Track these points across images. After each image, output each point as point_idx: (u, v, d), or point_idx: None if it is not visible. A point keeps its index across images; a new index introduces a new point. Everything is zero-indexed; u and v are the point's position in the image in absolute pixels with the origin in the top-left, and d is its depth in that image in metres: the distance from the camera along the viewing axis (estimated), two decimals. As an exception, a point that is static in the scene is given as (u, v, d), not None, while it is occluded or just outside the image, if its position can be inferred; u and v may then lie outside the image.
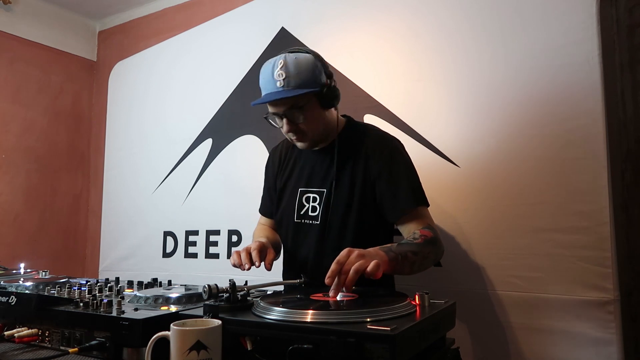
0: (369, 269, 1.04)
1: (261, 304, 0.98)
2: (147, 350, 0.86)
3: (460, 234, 1.79)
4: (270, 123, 1.46)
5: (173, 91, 2.91)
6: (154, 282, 1.53)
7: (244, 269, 1.32)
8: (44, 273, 1.74)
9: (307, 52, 1.39)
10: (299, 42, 2.32)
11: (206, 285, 1.03)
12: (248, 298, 1.04)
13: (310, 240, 1.45)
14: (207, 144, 2.68)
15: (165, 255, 2.78)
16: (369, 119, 2.05)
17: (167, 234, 2.79)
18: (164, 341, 0.85)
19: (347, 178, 1.42)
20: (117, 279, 1.55)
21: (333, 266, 1.06)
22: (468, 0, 1.86)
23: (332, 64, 2.19)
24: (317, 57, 1.40)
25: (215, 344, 0.84)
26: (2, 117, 3.13)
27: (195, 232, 2.66)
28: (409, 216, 1.38)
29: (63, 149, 3.48)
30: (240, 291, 1.03)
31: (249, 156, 2.47)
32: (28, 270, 1.86)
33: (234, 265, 1.36)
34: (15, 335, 1.11)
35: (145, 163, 2.99)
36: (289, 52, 1.39)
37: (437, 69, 1.91)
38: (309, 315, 0.88)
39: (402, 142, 1.50)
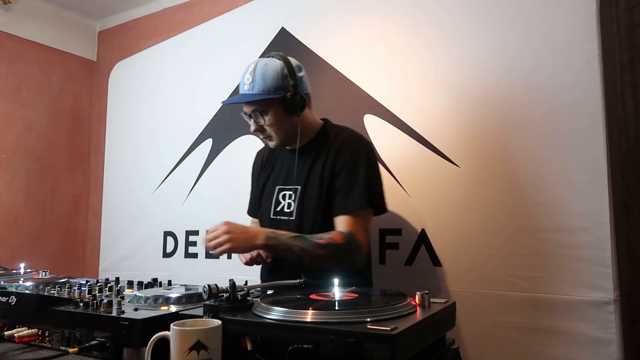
0: (212, 245, 1.34)
1: (261, 304, 0.98)
2: (147, 350, 0.86)
3: (460, 234, 1.79)
4: (246, 120, 1.57)
5: (173, 91, 2.91)
6: (154, 282, 1.53)
7: (267, 261, 1.52)
8: (44, 273, 1.74)
9: (280, 59, 1.48)
10: (299, 42, 2.32)
11: (206, 285, 1.03)
12: (248, 298, 1.04)
13: None
14: (207, 144, 2.68)
15: (166, 255, 2.78)
16: (369, 119, 2.05)
17: (167, 234, 2.79)
18: (164, 341, 0.85)
19: (318, 175, 1.51)
20: (117, 279, 1.55)
21: (205, 235, 1.37)
22: (468, 0, 1.86)
23: (332, 64, 2.20)
24: (287, 64, 1.48)
25: (215, 344, 0.84)
26: (2, 117, 3.13)
27: (196, 232, 2.66)
28: (345, 216, 1.44)
29: (63, 149, 3.48)
30: (240, 291, 1.03)
31: (249, 156, 2.45)
32: (28, 270, 1.86)
33: (249, 263, 1.53)
34: (15, 335, 1.11)
35: (145, 163, 2.99)
36: (265, 57, 1.51)
37: (437, 69, 1.91)
38: (309, 315, 0.88)
39: (372, 145, 1.58)
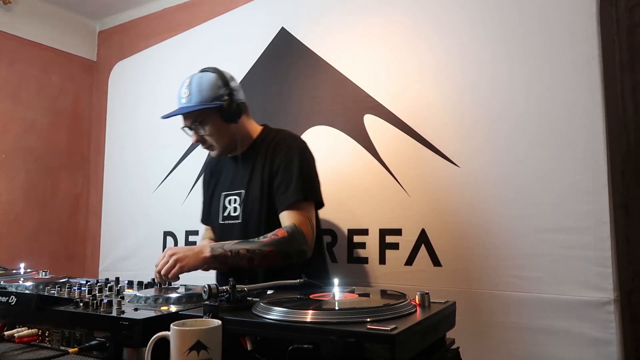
0: (164, 271, 1.36)
1: (261, 304, 0.98)
2: (147, 350, 0.86)
3: (460, 234, 1.79)
4: (186, 134, 1.63)
5: (173, 91, 2.89)
6: (154, 282, 1.53)
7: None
8: (44, 273, 1.74)
9: (214, 72, 1.57)
10: (299, 42, 2.32)
11: (206, 285, 1.03)
12: (248, 298, 1.04)
13: (234, 237, 1.56)
14: (207, 144, 2.68)
15: (165, 255, 2.78)
16: (369, 119, 2.06)
17: (167, 233, 2.79)
18: (164, 341, 0.85)
19: (258, 179, 1.59)
20: (117, 279, 1.54)
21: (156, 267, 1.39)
22: (468, 0, 1.86)
23: (332, 64, 2.20)
24: (221, 76, 1.57)
25: (215, 344, 0.84)
26: (2, 117, 3.13)
27: (195, 232, 2.66)
28: (288, 211, 1.51)
29: (63, 149, 3.48)
30: (240, 291, 1.03)
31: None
32: (28, 270, 1.86)
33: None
34: (15, 335, 1.11)
35: (145, 163, 2.99)
36: (199, 72, 1.59)
37: (437, 68, 1.91)
38: (309, 315, 0.88)
39: (305, 143, 1.63)
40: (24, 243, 3.19)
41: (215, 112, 1.55)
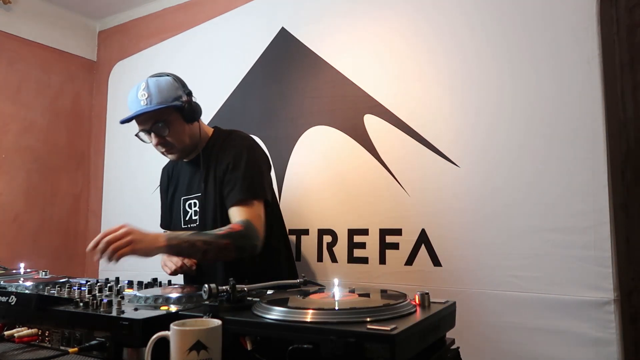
0: (113, 247, 1.26)
1: (261, 304, 0.98)
2: (147, 350, 0.86)
3: (460, 234, 1.79)
4: (141, 139, 1.62)
5: (173, 91, 2.91)
6: (154, 282, 1.53)
7: (192, 269, 1.59)
8: (44, 273, 1.74)
9: (167, 75, 1.58)
10: (299, 42, 2.32)
11: (206, 285, 1.03)
12: (248, 298, 1.04)
13: None
14: (207, 144, 2.68)
15: (165, 255, 2.78)
16: (369, 119, 2.06)
17: (167, 234, 2.79)
18: (164, 341, 0.85)
19: (212, 180, 1.61)
20: (117, 279, 1.54)
21: (99, 236, 1.28)
22: (468, 0, 1.86)
23: (332, 64, 2.20)
24: (177, 78, 1.59)
25: (215, 344, 0.84)
26: (2, 117, 3.13)
27: (195, 232, 2.66)
28: (237, 207, 1.52)
29: (63, 149, 3.48)
30: (240, 291, 1.03)
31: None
32: (28, 270, 1.86)
33: (174, 273, 1.59)
34: (15, 335, 1.11)
35: (145, 163, 2.99)
36: (150, 77, 1.57)
37: (437, 68, 1.91)
38: (309, 315, 0.88)
39: (256, 142, 1.68)
40: (24, 243, 3.19)
41: (176, 112, 1.55)
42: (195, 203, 1.67)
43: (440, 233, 1.84)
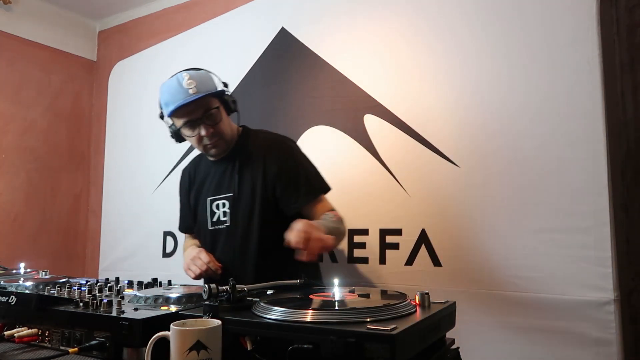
0: (327, 242, 1.22)
1: (261, 304, 0.98)
2: (147, 350, 0.86)
3: (460, 234, 1.79)
4: (179, 137, 1.59)
5: (173, 91, 2.91)
6: (154, 282, 1.53)
7: (217, 273, 1.52)
8: (44, 273, 1.74)
9: (200, 70, 1.55)
10: (299, 42, 2.32)
11: (206, 285, 1.03)
12: (248, 298, 1.05)
13: (222, 242, 1.60)
14: (207, 144, 2.68)
15: (165, 255, 2.78)
16: (369, 119, 2.05)
17: (167, 234, 2.79)
18: (164, 341, 0.85)
19: (248, 181, 1.56)
20: (117, 279, 1.54)
21: (301, 234, 1.20)
22: (468, 0, 1.86)
23: (332, 64, 2.20)
24: (210, 72, 1.57)
25: (215, 344, 0.84)
26: (2, 117, 3.13)
27: (195, 232, 2.66)
28: (313, 205, 1.53)
29: (63, 149, 3.48)
30: (240, 291, 1.03)
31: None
32: (28, 270, 1.86)
33: (198, 277, 1.53)
34: (15, 335, 1.11)
35: (145, 163, 2.99)
36: (185, 71, 1.52)
37: (437, 68, 1.91)
38: (309, 315, 0.88)
39: (295, 141, 1.67)
40: (24, 243, 3.19)
41: (220, 102, 1.53)
42: (224, 204, 1.60)
43: (440, 233, 1.84)
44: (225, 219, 1.60)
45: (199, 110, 1.48)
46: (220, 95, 1.52)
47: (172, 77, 1.53)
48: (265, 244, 1.52)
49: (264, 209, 1.53)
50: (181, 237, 2.71)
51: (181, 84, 1.47)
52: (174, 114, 1.49)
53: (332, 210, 1.53)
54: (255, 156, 1.57)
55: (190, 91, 1.45)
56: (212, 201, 1.64)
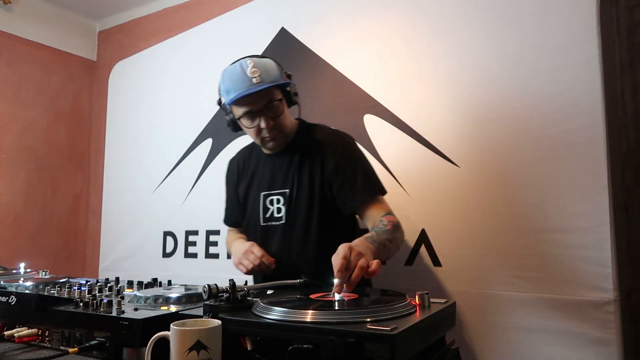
0: (371, 268, 1.07)
1: (261, 304, 0.98)
2: (147, 350, 0.86)
3: (460, 234, 1.79)
4: (236, 127, 1.50)
5: (173, 91, 2.91)
6: (154, 282, 1.53)
7: (271, 267, 1.44)
8: (44, 273, 1.74)
9: (267, 57, 1.46)
10: (299, 42, 2.32)
11: (206, 285, 1.03)
12: (248, 298, 1.05)
13: (277, 240, 1.51)
14: (207, 144, 2.68)
15: (165, 255, 2.78)
16: (369, 119, 2.05)
17: (167, 234, 2.79)
18: (164, 341, 0.85)
19: (307, 176, 1.49)
20: (117, 279, 1.55)
21: (340, 260, 1.06)
22: (468, 0, 1.86)
23: (332, 64, 2.20)
24: (275, 61, 1.47)
25: (215, 344, 0.84)
26: (2, 117, 3.13)
27: (195, 232, 2.66)
28: (368, 205, 1.45)
29: (63, 149, 3.48)
30: (240, 291, 1.03)
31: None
32: (28, 270, 1.86)
33: (250, 272, 1.45)
34: (15, 335, 1.11)
35: (145, 163, 2.99)
36: (249, 57, 1.43)
37: (437, 69, 1.91)
38: (309, 315, 0.88)
39: (353, 137, 1.58)
40: (24, 243, 3.19)
41: (283, 95, 1.46)
42: (279, 200, 1.52)
43: (440, 233, 1.84)
44: (279, 215, 1.52)
45: (261, 101, 1.40)
46: (283, 87, 1.44)
47: (235, 62, 1.43)
48: (323, 244, 1.42)
49: (322, 208, 1.47)
50: (181, 237, 2.72)
51: (245, 72, 1.38)
52: (234, 102, 1.40)
53: (389, 214, 1.42)
54: (313, 151, 1.50)
55: (254, 80, 1.36)
56: (265, 196, 1.55)
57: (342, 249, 1.10)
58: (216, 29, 2.75)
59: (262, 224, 1.55)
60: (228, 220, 1.75)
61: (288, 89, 1.46)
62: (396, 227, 1.38)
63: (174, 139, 2.83)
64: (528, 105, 1.70)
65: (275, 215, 1.53)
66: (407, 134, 1.95)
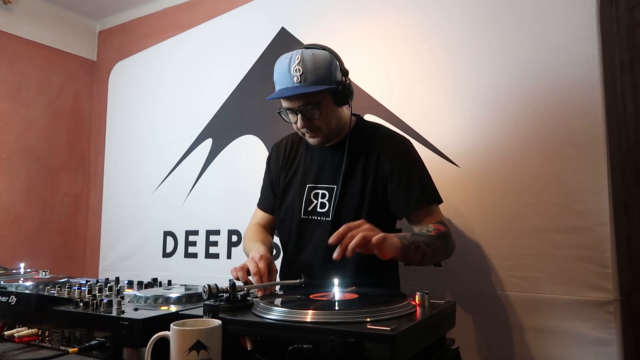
0: (374, 239, 1.06)
1: (261, 304, 0.98)
2: (147, 350, 0.86)
3: (460, 234, 1.79)
4: (282, 118, 1.46)
5: (173, 91, 2.91)
6: (154, 282, 1.53)
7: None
8: (44, 273, 1.74)
9: (324, 49, 1.39)
10: (299, 42, 2.32)
11: (206, 285, 1.03)
12: (248, 298, 1.05)
13: (318, 236, 1.44)
14: (207, 144, 2.68)
15: (165, 255, 2.78)
16: (369, 119, 2.05)
17: (167, 234, 2.79)
18: (164, 341, 0.85)
19: (359, 175, 1.43)
20: (117, 279, 1.55)
21: (342, 228, 1.09)
22: (467, 0, 1.86)
23: (332, 64, 2.20)
24: (334, 54, 1.40)
25: (215, 344, 0.84)
26: (2, 117, 3.13)
27: (195, 232, 2.66)
28: (422, 213, 1.40)
29: (63, 149, 3.48)
30: (240, 291, 1.03)
31: (249, 156, 2.47)
32: (28, 270, 1.86)
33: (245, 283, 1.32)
34: (15, 335, 1.11)
35: (145, 163, 2.99)
36: (305, 48, 1.38)
37: (437, 69, 1.91)
38: (309, 315, 0.88)
39: (410, 142, 1.52)
40: (24, 243, 3.19)
41: (329, 95, 1.37)
42: (324, 194, 1.47)
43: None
44: (323, 210, 1.45)
45: (298, 101, 1.36)
46: (329, 89, 1.37)
47: (291, 52, 1.38)
48: None
49: (373, 206, 1.41)
50: (181, 237, 2.72)
51: (290, 67, 1.33)
52: (277, 98, 1.38)
53: (439, 223, 1.38)
54: (369, 150, 1.45)
55: (295, 79, 1.32)
56: (311, 189, 1.49)
57: (359, 222, 1.13)
58: (216, 29, 2.75)
59: (302, 217, 1.48)
60: (261, 204, 1.67)
61: (340, 88, 1.39)
62: (441, 236, 1.33)
63: (174, 139, 2.83)
64: (528, 105, 1.70)
65: (319, 210, 1.47)
66: (407, 134, 1.94)
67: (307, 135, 1.45)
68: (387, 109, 2.02)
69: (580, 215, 1.56)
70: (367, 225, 1.13)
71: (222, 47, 2.68)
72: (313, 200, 1.48)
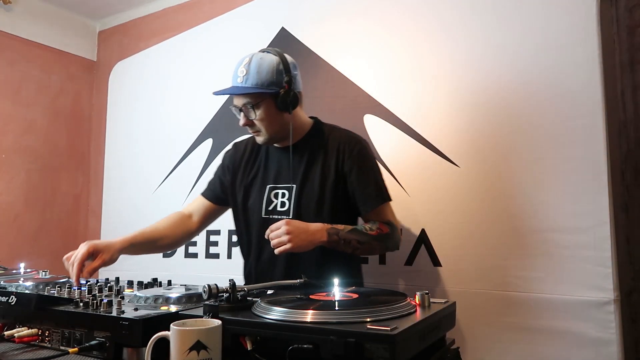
0: (279, 249, 1.31)
1: (261, 304, 0.98)
2: (147, 350, 0.86)
3: (460, 234, 1.79)
4: (234, 113, 1.55)
5: (173, 91, 2.91)
6: (154, 282, 1.53)
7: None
8: (44, 273, 1.74)
9: (276, 55, 1.48)
10: (299, 42, 2.32)
11: (206, 285, 1.03)
12: (248, 298, 1.05)
13: None
14: (207, 144, 2.68)
15: (165, 255, 2.78)
16: (369, 119, 2.05)
17: (167, 234, 2.78)
18: (164, 341, 0.85)
19: (318, 173, 1.51)
20: (117, 279, 1.55)
21: (267, 231, 1.34)
22: (467, 1, 1.86)
23: (332, 64, 2.20)
24: (283, 60, 1.47)
25: (215, 344, 0.84)
26: (2, 117, 3.13)
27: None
28: (373, 212, 1.51)
29: (63, 149, 3.48)
30: (240, 291, 1.03)
31: (249, 156, 2.47)
32: (28, 270, 1.86)
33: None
34: (15, 335, 1.11)
35: (145, 163, 2.99)
36: (260, 51, 1.50)
37: (437, 69, 1.91)
38: (309, 315, 0.88)
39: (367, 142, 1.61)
40: (24, 243, 3.19)
41: (270, 98, 1.45)
42: (284, 194, 1.54)
43: (440, 233, 1.84)
44: (283, 209, 1.53)
45: (239, 100, 1.49)
46: (268, 93, 1.44)
47: (255, 53, 1.48)
48: None
49: (334, 203, 1.49)
50: (181, 237, 2.71)
51: (238, 68, 1.47)
52: (221, 94, 1.52)
53: (386, 223, 1.48)
54: (328, 150, 1.53)
55: (238, 80, 1.46)
56: (271, 189, 1.56)
57: (282, 221, 1.33)
58: (216, 29, 2.75)
59: (263, 216, 1.55)
60: (207, 192, 1.74)
61: (280, 94, 1.44)
62: (381, 237, 1.45)
63: (174, 139, 2.83)
64: (528, 105, 1.70)
65: (279, 209, 1.54)
66: (407, 134, 1.95)
67: (250, 132, 1.55)
68: (387, 109, 2.02)
69: (580, 215, 1.56)
70: (283, 229, 1.32)
71: (222, 46, 2.68)
72: (273, 199, 1.56)
